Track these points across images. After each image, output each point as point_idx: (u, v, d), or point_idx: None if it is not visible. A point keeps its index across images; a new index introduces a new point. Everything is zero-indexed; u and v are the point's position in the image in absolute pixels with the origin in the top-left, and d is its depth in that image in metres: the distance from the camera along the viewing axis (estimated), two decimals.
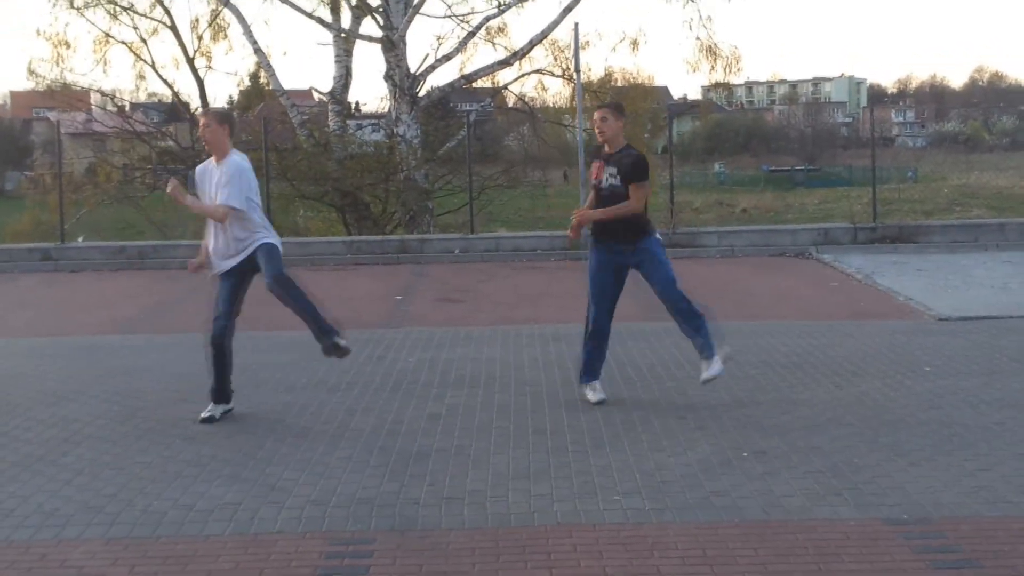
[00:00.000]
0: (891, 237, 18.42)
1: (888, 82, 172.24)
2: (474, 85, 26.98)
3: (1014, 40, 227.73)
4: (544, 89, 28.14)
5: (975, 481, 5.88)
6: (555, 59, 25.68)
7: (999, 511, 5.43)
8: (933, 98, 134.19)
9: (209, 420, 7.43)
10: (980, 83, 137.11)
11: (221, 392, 7.60)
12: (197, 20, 27.28)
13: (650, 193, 7.88)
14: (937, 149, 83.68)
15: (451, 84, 25.31)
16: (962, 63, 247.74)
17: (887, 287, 13.64)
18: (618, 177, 7.65)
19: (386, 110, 25.09)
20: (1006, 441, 6.64)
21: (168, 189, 7.44)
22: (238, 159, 7.47)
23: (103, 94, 28.18)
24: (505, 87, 27.40)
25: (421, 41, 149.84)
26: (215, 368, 7.58)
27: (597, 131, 7.80)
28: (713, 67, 25.41)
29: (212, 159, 7.56)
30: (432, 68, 24.28)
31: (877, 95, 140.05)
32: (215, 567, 4.89)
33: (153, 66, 27.13)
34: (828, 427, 7.02)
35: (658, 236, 7.90)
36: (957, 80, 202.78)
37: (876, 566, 4.76)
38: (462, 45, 24.85)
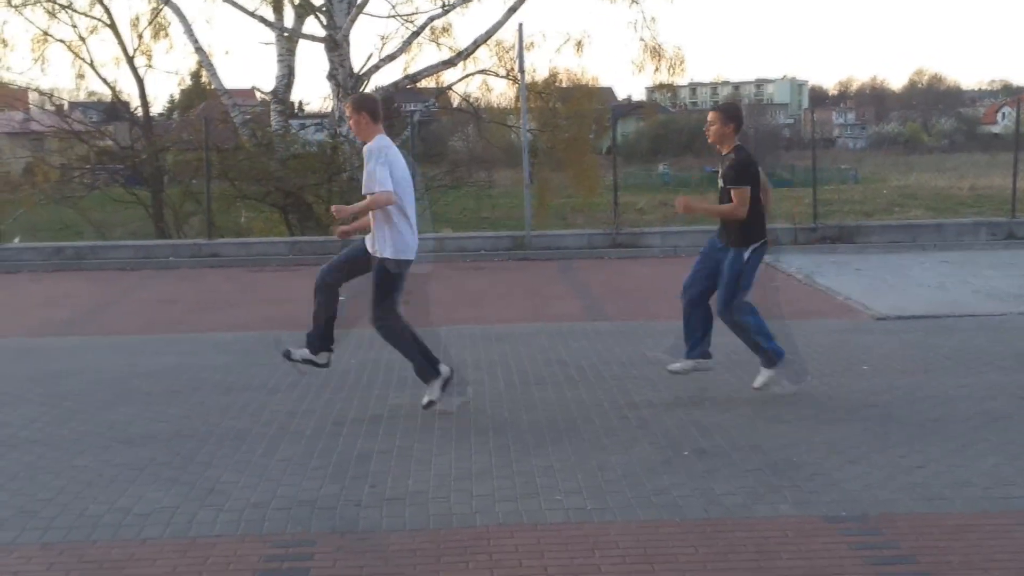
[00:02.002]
0: (831, 237, 18.64)
1: (829, 84, 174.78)
2: (418, 85, 26.92)
3: (953, 43, 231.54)
4: (489, 89, 28.27)
5: (911, 478, 5.96)
6: (500, 60, 25.70)
7: (935, 507, 5.51)
8: (873, 100, 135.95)
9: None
10: (920, 85, 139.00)
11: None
12: (137, 18, 26.91)
13: (762, 197, 7.73)
14: (877, 150, 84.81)
15: (395, 84, 25.20)
16: (902, 66, 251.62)
17: (827, 286, 13.79)
18: (722, 180, 7.68)
19: (329, 110, 24.94)
20: (941, 438, 6.74)
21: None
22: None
23: (41, 93, 27.77)
24: (450, 87, 27.39)
25: (365, 41, 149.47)
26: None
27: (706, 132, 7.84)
28: (657, 68, 25.55)
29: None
30: (376, 68, 24.19)
31: (819, 97, 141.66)
32: (152, 571, 4.82)
33: (92, 65, 26.76)
34: (767, 425, 7.08)
35: (750, 252, 7.69)
36: (897, 82, 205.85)
37: (815, 563, 4.81)
38: (406, 45, 24.77)
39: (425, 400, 7.46)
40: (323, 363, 7.69)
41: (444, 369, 7.51)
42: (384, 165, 7.15)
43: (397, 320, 7.47)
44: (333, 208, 7.59)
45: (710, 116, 7.82)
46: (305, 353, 7.63)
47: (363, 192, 7.26)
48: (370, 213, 7.33)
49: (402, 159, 7.42)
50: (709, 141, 7.87)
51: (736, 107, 8.11)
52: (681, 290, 8.02)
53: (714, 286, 7.84)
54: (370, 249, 7.40)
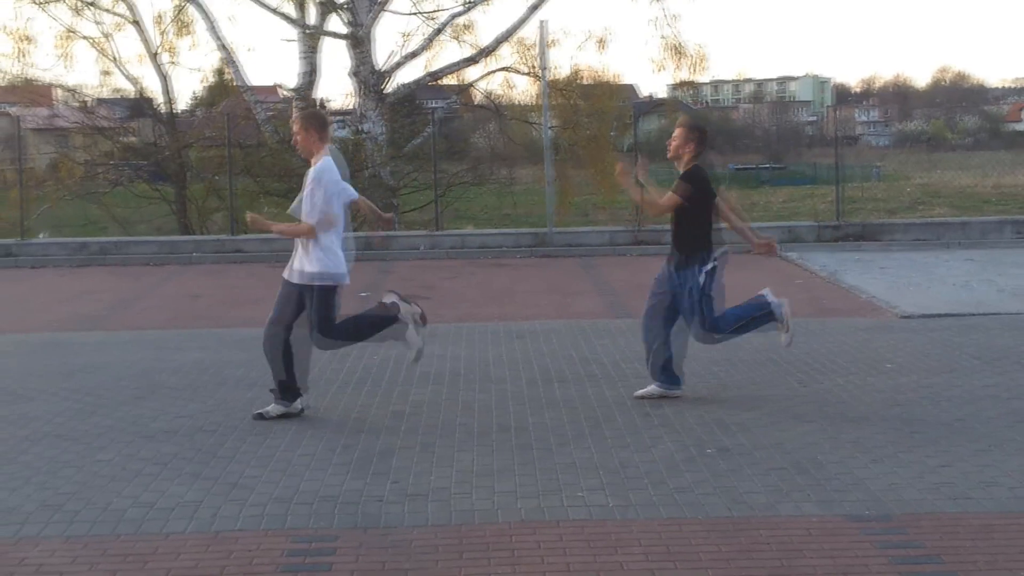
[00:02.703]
0: (855, 235, 18.55)
1: (853, 81, 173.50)
2: (440, 82, 26.88)
3: (977, 41, 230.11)
4: (511, 87, 27.99)
5: (936, 477, 5.92)
6: (522, 57, 25.64)
7: (960, 507, 5.47)
8: (897, 98, 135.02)
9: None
10: (943, 83, 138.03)
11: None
12: (161, 16, 26.94)
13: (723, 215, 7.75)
14: (901, 148, 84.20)
15: (417, 81, 25.22)
16: (926, 63, 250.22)
17: (851, 285, 13.72)
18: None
19: (352, 107, 24.96)
20: (967, 437, 6.69)
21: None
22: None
23: (66, 89, 27.87)
24: (472, 84, 27.31)
25: (387, 38, 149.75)
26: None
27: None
28: (679, 66, 25.43)
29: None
30: (398, 65, 24.21)
31: (842, 94, 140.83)
32: (175, 565, 4.84)
33: (117, 62, 26.83)
34: (792, 424, 7.05)
35: (700, 272, 7.58)
36: (921, 80, 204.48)
37: (838, 562, 4.78)
38: (428, 42, 24.77)
39: (268, 408, 7.40)
40: (298, 411, 7.44)
41: (298, 404, 7.44)
42: (325, 193, 7.19)
43: (338, 332, 7.43)
44: (249, 218, 7.52)
45: (676, 130, 7.75)
46: (277, 408, 7.42)
47: (292, 213, 7.28)
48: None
49: (337, 173, 7.37)
50: (668, 156, 7.78)
51: (700, 127, 8.02)
52: (641, 326, 7.90)
53: (674, 314, 7.71)
54: (286, 275, 7.35)
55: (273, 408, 7.38)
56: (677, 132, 7.71)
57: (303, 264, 7.25)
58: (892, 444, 6.56)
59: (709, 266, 7.56)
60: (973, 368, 8.74)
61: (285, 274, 7.39)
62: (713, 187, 7.70)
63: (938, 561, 4.79)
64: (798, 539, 5.05)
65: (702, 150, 7.72)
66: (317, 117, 7.63)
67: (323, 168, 7.26)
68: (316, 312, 7.25)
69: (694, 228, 7.59)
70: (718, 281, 7.60)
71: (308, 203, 7.18)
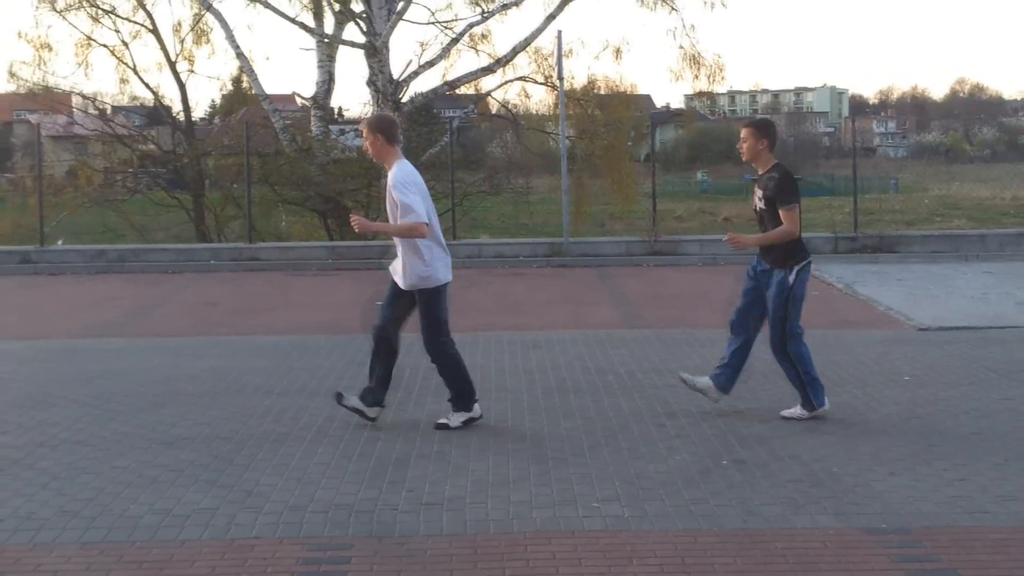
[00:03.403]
0: (872, 247, 18.50)
1: (870, 93, 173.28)
2: (457, 92, 26.95)
3: (995, 53, 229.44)
4: (527, 96, 28.05)
5: (954, 491, 5.89)
6: (538, 66, 25.70)
7: (977, 521, 5.44)
8: (914, 109, 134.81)
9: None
10: (961, 95, 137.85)
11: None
12: (179, 24, 27.26)
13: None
14: (918, 160, 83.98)
15: (434, 90, 25.27)
16: (943, 75, 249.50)
17: (868, 296, 13.68)
18: (764, 201, 7.47)
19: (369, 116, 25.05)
20: (984, 451, 6.66)
21: None
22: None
23: (84, 97, 28.03)
24: (488, 94, 27.35)
25: (404, 47, 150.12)
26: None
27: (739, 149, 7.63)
28: (696, 76, 25.44)
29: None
30: (415, 74, 24.26)
31: (859, 105, 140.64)
32: (191, 572, 4.85)
33: (135, 70, 27.00)
34: (807, 436, 7.03)
35: (795, 274, 7.45)
36: (938, 91, 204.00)
37: (854, 575, 4.76)
38: (445, 51, 24.83)
39: (440, 421, 7.37)
40: (372, 417, 7.43)
41: (477, 409, 7.42)
42: (417, 195, 7.09)
43: (449, 344, 7.43)
44: (354, 220, 7.45)
45: (742, 132, 7.59)
46: (356, 402, 7.43)
47: (394, 221, 7.17)
48: (397, 240, 7.28)
49: (418, 174, 7.33)
50: (743, 159, 7.63)
51: (768, 122, 7.86)
52: (728, 326, 7.81)
53: (763, 314, 7.60)
54: (397, 279, 7.34)
55: (453, 418, 7.36)
56: (744, 133, 7.55)
57: (407, 268, 7.23)
58: (909, 457, 6.53)
59: (801, 264, 7.45)
60: (991, 381, 8.70)
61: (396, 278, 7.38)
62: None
63: (955, 575, 4.77)
64: (814, 552, 5.03)
65: (775, 143, 7.60)
66: (382, 121, 7.47)
67: (407, 171, 7.20)
68: (423, 317, 7.29)
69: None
70: (803, 288, 7.49)
71: (405, 205, 7.04)
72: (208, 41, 27.04)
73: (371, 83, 23.52)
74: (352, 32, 24.93)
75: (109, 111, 28.62)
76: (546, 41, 24.51)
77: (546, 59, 25.07)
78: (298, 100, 28.70)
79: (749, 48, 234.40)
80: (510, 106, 27.75)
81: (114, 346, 10.83)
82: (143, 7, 26.36)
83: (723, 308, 12.97)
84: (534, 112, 28.44)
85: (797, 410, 7.52)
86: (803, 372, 7.48)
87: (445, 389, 8.24)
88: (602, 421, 7.48)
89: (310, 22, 25.05)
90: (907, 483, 6.02)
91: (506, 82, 26.13)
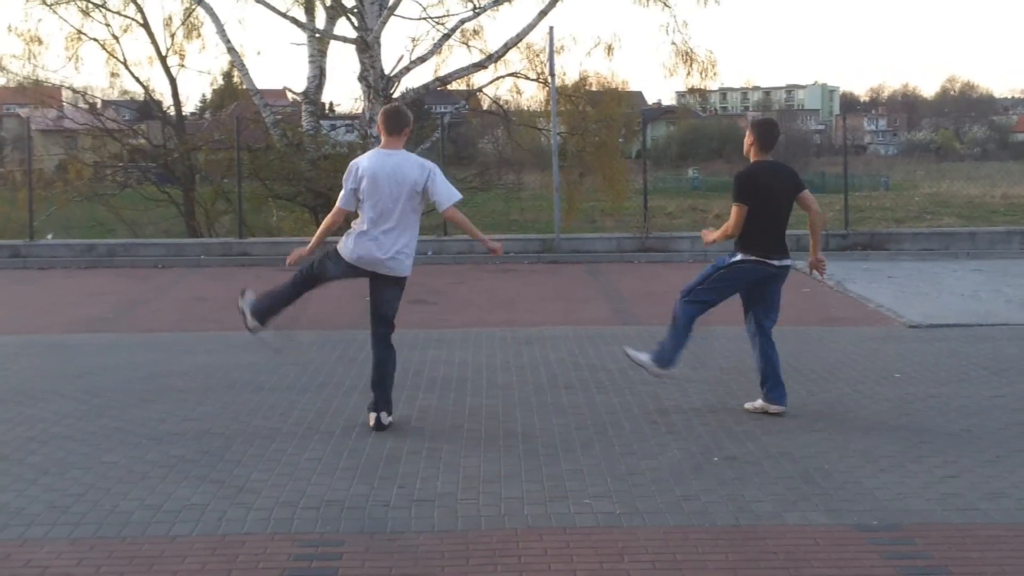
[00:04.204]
0: (863, 244, 18.53)
1: (861, 90, 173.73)
2: (449, 87, 26.92)
3: (986, 51, 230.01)
4: (519, 92, 28.02)
5: (944, 488, 5.90)
6: (530, 63, 25.66)
7: (967, 518, 5.45)
8: (905, 107, 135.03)
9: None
10: (952, 93, 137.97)
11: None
12: (170, 18, 27.11)
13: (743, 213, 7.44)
14: (909, 157, 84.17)
15: (426, 86, 25.25)
16: (934, 73, 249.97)
17: (858, 294, 13.70)
18: None
19: (360, 111, 24.99)
20: (975, 448, 6.67)
21: None
22: None
23: (75, 91, 27.94)
24: (480, 89, 27.34)
25: (396, 42, 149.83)
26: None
27: None
28: (689, 72, 25.42)
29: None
30: (407, 70, 24.22)
31: (850, 103, 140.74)
32: (181, 568, 4.84)
33: (125, 64, 26.90)
34: (799, 433, 7.04)
35: (735, 259, 7.52)
36: (929, 89, 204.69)
37: (845, 572, 4.77)
38: (437, 47, 24.81)
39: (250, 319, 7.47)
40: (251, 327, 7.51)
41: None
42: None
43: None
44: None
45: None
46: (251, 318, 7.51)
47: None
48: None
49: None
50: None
51: (760, 121, 7.92)
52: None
53: (759, 309, 7.64)
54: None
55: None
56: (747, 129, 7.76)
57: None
58: (900, 454, 6.54)
59: (739, 257, 7.49)
60: (981, 378, 8.72)
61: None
62: (768, 183, 7.51)
63: (946, 572, 4.77)
64: (805, 548, 5.04)
65: (764, 144, 7.63)
66: (385, 114, 7.37)
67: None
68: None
69: (745, 225, 7.45)
70: (730, 279, 7.53)
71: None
72: (199, 35, 26.98)
73: (362, 78, 23.48)
74: (344, 27, 24.90)
75: (99, 105, 28.49)
76: (538, 37, 24.49)
77: (538, 55, 25.05)
78: (289, 95, 28.63)
79: (741, 45, 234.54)
80: (501, 102, 27.73)
81: (104, 341, 10.80)
82: (134, 1, 26.29)
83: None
84: (525, 108, 28.42)
85: (646, 359, 7.65)
86: (678, 328, 7.59)
87: (436, 384, 8.27)
88: (594, 417, 7.48)
89: (301, 17, 24.99)
90: (898, 480, 6.03)
91: (498, 78, 26.13)
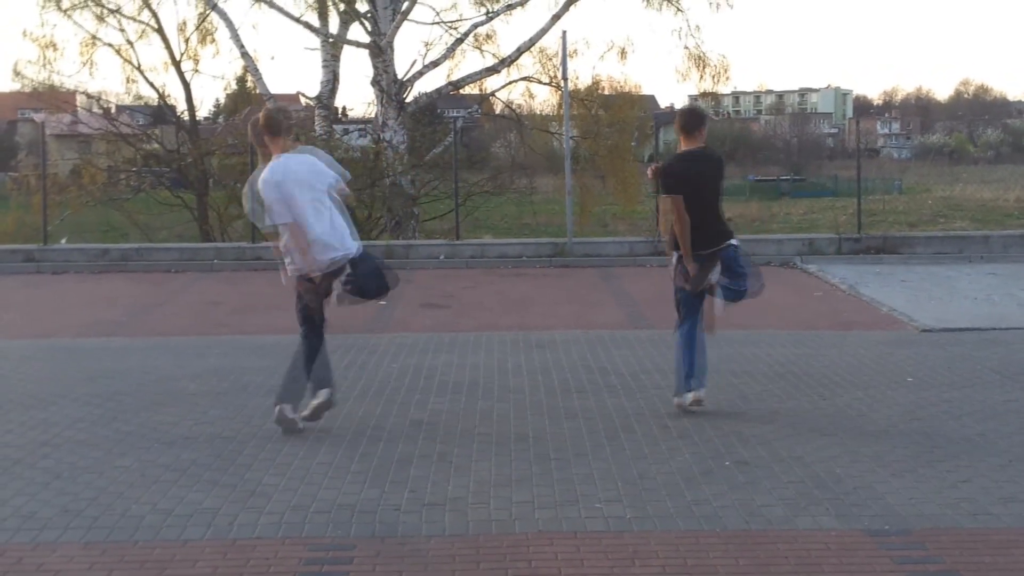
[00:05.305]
0: (876, 248, 18.46)
1: (874, 94, 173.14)
2: (461, 91, 26.95)
3: (1000, 54, 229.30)
4: (531, 96, 28.01)
5: (956, 492, 5.88)
6: (543, 67, 25.66)
7: (980, 523, 5.43)
8: (919, 110, 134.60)
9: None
10: (965, 96, 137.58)
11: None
12: (184, 23, 27.11)
13: (674, 206, 7.44)
14: (922, 161, 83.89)
15: (438, 90, 25.27)
16: (948, 76, 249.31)
17: (871, 298, 13.66)
18: None
19: (373, 115, 25.05)
20: (987, 453, 6.65)
21: None
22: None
23: (89, 96, 28.01)
24: (492, 94, 27.34)
25: (409, 47, 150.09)
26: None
27: None
28: (702, 76, 25.43)
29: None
30: (419, 74, 24.26)
31: (863, 106, 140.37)
32: (193, 572, 4.86)
33: (140, 69, 26.97)
34: (810, 437, 7.02)
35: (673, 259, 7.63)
36: (942, 93, 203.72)
37: None
38: (450, 52, 24.82)
39: (288, 413, 7.24)
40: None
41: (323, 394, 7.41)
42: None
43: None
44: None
45: None
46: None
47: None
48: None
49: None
50: None
51: (683, 110, 8.00)
52: None
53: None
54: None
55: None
56: None
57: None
58: (912, 458, 6.52)
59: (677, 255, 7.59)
60: (994, 383, 8.69)
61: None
62: (688, 175, 7.53)
63: None
64: (816, 553, 5.03)
65: (688, 134, 7.67)
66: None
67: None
68: None
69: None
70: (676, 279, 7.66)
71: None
72: (213, 40, 26.99)
73: (375, 83, 23.52)
74: (357, 32, 24.96)
75: (113, 110, 28.58)
76: (551, 41, 24.50)
77: (551, 59, 25.05)
78: (302, 100, 28.67)
79: (754, 49, 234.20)
80: (514, 106, 27.74)
81: (117, 345, 10.83)
82: (148, 6, 26.35)
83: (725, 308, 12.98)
84: (538, 112, 28.44)
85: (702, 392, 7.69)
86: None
87: (448, 388, 8.27)
88: (605, 421, 7.48)
89: (315, 22, 25.05)
90: (910, 485, 6.01)
91: (510, 82, 26.14)
